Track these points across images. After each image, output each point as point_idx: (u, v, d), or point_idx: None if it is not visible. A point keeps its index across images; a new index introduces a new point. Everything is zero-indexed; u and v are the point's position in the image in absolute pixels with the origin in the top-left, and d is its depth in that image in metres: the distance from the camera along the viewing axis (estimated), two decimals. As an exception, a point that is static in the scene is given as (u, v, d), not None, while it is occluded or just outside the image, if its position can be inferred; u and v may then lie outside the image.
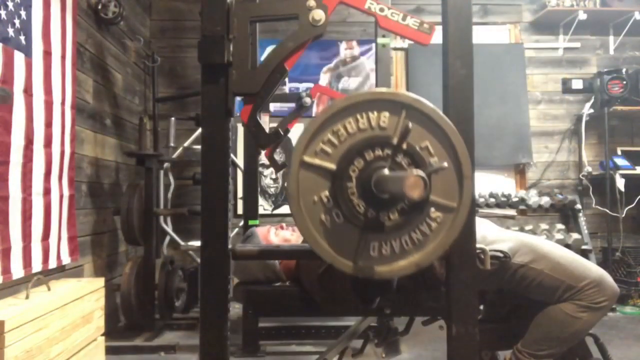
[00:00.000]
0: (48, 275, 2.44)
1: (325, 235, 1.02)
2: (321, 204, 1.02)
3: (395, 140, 1.01)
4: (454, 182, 1.02)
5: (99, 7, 3.25)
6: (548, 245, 1.67)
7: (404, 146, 1.01)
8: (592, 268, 1.62)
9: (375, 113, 1.03)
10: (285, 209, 4.31)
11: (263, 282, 1.66)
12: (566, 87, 4.53)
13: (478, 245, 1.15)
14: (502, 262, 1.50)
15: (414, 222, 1.02)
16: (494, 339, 1.74)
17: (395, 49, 4.46)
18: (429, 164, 1.01)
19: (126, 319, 3.33)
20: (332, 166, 1.02)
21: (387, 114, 1.02)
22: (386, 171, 0.98)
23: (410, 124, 0.99)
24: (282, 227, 1.74)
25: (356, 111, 1.03)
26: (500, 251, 1.53)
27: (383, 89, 1.05)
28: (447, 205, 1.02)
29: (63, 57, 2.66)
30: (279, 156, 4.26)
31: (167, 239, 4.06)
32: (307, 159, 1.02)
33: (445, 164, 1.01)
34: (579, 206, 4.24)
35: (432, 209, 1.02)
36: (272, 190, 4.36)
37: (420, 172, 0.89)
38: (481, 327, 1.13)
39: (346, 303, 1.50)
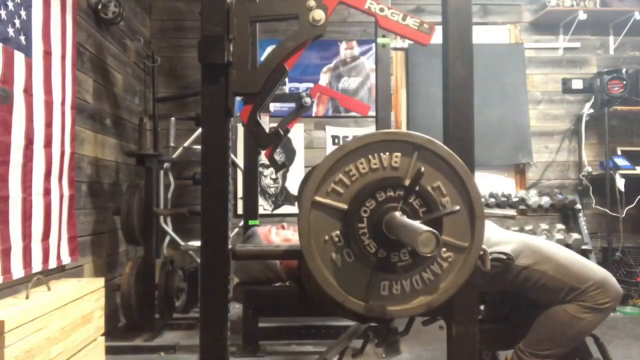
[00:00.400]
0: (48, 275, 2.44)
1: (336, 274, 1.02)
2: (332, 243, 1.03)
3: (407, 182, 1.01)
4: (466, 222, 1.03)
5: (99, 7, 3.25)
6: (551, 247, 1.68)
7: (416, 188, 1.01)
8: (595, 269, 1.62)
9: (388, 154, 1.03)
10: (285, 209, 4.31)
11: (263, 282, 1.66)
12: (566, 87, 4.53)
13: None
14: (506, 264, 1.50)
15: (425, 262, 1.02)
16: (494, 339, 1.74)
17: (395, 49, 4.46)
18: (441, 205, 1.01)
19: (126, 319, 3.33)
20: (343, 206, 1.02)
21: (399, 154, 1.03)
22: (398, 214, 0.98)
23: (422, 168, 0.99)
24: (283, 227, 1.74)
25: (368, 152, 1.03)
26: (504, 253, 1.53)
27: (396, 130, 1.06)
28: (459, 246, 1.03)
29: (63, 57, 2.66)
30: (279, 156, 4.27)
31: (167, 239, 4.06)
32: (318, 199, 1.02)
33: (457, 207, 1.01)
34: (579, 206, 4.24)
35: (444, 249, 1.02)
36: (272, 190, 4.36)
37: (432, 230, 0.88)
38: (481, 327, 1.13)
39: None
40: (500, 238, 1.67)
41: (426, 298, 1.03)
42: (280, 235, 1.73)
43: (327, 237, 1.03)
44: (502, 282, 1.61)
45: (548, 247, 1.67)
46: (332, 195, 1.03)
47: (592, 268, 1.62)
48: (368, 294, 1.02)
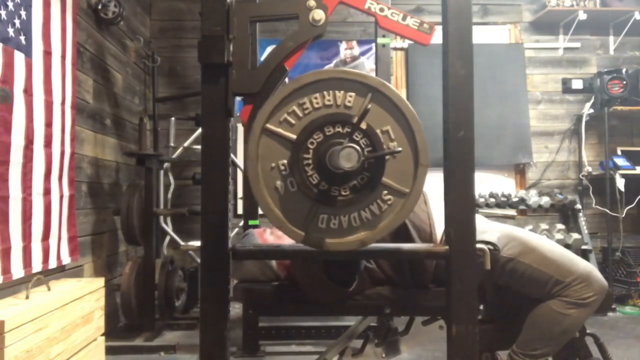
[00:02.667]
0: (48, 275, 2.44)
1: (279, 201, 1.05)
2: (278, 171, 1.05)
3: (355, 120, 1.03)
4: (410, 168, 1.05)
5: (99, 7, 3.25)
6: (537, 239, 1.67)
7: (364, 127, 1.03)
8: (579, 263, 1.61)
9: (342, 92, 1.05)
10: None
11: (260, 280, 1.66)
12: (566, 87, 4.53)
13: (479, 246, 1.16)
14: (492, 253, 1.50)
15: (365, 201, 1.05)
16: (494, 339, 1.74)
17: (395, 49, 4.46)
18: (387, 148, 1.04)
19: (126, 319, 3.33)
20: (292, 136, 1.05)
21: (353, 94, 1.05)
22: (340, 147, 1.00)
23: (369, 106, 1.01)
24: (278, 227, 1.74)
25: (324, 87, 1.05)
26: (490, 243, 1.53)
27: (353, 70, 1.07)
28: (400, 190, 1.05)
29: (63, 57, 2.66)
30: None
31: (167, 239, 4.06)
32: (270, 126, 1.05)
33: (400, 149, 1.03)
34: (579, 206, 4.24)
35: (385, 192, 1.05)
36: (272, 190, 4.35)
37: (354, 145, 0.95)
38: (481, 327, 1.13)
39: (327, 290, 1.51)
40: (486, 227, 1.67)
41: (361, 235, 1.05)
42: (275, 234, 1.74)
43: (273, 165, 1.05)
44: (489, 273, 1.60)
45: (533, 239, 1.66)
46: (283, 125, 1.05)
47: (576, 262, 1.61)
48: (307, 224, 1.04)
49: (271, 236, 1.73)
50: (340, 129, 1.04)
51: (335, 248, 1.06)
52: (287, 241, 1.72)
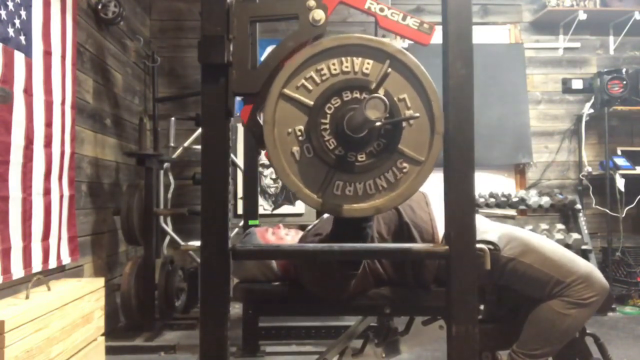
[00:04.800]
0: (48, 275, 2.44)
1: (294, 166, 1.05)
2: (294, 137, 1.05)
3: (373, 86, 1.03)
4: (426, 137, 1.05)
5: (99, 7, 3.25)
6: (538, 239, 1.67)
7: (382, 93, 1.02)
8: (580, 263, 1.61)
9: (360, 59, 1.05)
10: (285, 209, 4.30)
11: (260, 280, 1.66)
12: (566, 87, 4.54)
13: (479, 246, 1.15)
14: (493, 254, 1.50)
15: (380, 168, 1.05)
16: (494, 339, 1.74)
17: (395, 49, 4.46)
18: (404, 115, 1.04)
19: (126, 319, 3.33)
20: (310, 102, 1.05)
21: (371, 61, 1.05)
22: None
23: (389, 70, 1.01)
24: (279, 227, 1.74)
25: (342, 54, 1.05)
26: (491, 242, 1.53)
27: (372, 37, 1.07)
28: (415, 158, 1.05)
29: (63, 57, 2.66)
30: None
31: (167, 239, 4.06)
32: (287, 91, 1.05)
33: (418, 114, 1.03)
34: (579, 206, 4.24)
35: (401, 160, 1.05)
36: (272, 190, 4.36)
37: (381, 96, 0.94)
38: (481, 327, 1.13)
39: (332, 285, 1.51)
40: (486, 228, 1.67)
41: (377, 202, 1.06)
42: (276, 235, 1.74)
43: (290, 130, 1.05)
44: (490, 273, 1.60)
45: (534, 239, 1.66)
46: (301, 90, 1.05)
47: (577, 262, 1.61)
48: (322, 190, 1.04)
49: (272, 236, 1.73)
50: (358, 95, 1.04)
51: (351, 214, 1.06)
52: (288, 241, 1.73)
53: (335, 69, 1.05)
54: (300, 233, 1.74)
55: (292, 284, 1.64)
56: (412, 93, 1.05)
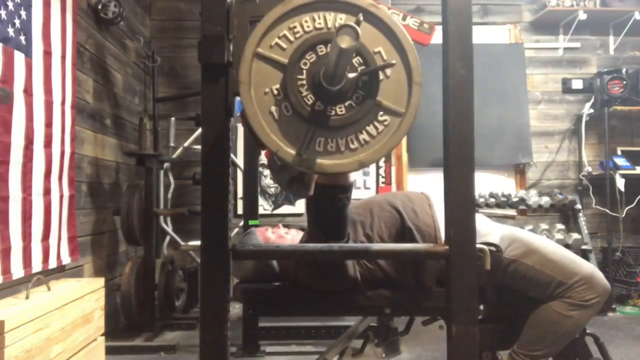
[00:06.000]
0: (48, 275, 2.44)
1: (274, 126, 1.03)
2: (272, 96, 1.04)
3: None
4: (404, 88, 1.04)
5: (99, 7, 3.25)
6: (539, 240, 1.67)
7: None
8: (582, 265, 1.61)
9: (333, 14, 1.04)
10: (285, 209, 4.31)
11: (260, 280, 1.66)
12: (566, 87, 4.54)
13: (478, 246, 1.15)
14: (494, 255, 1.50)
15: (361, 122, 1.04)
16: (495, 340, 1.74)
17: (395, 49, 4.46)
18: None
19: (126, 319, 3.33)
20: (284, 60, 1.03)
21: (344, 15, 1.04)
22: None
23: (361, 17, 0.99)
24: (279, 227, 1.74)
25: (313, 9, 1.04)
26: (493, 244, 1.52)
27: None
28: (395, 110, 1.04)
29: (63, 57, 2.66)
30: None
31: (167, 239, 4.06)
32: (261, 50, 1.03)
33: (394, 61, 1.02)
34: (579, 206, 4.24)
35: (381, 112, 1.04)
36: (272, 190, 4.36)
37: (354, 24, 0.92)
38: (481, 327, 1.13)
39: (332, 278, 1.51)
40: (489, 229, 1.67)
41: (359, 157, 1.04)
42: (276, 234, 1.74)
43: (267, 90, 1.04)
44: (492, 274, 1.60)
45: (536, 240, 1.66)
46: (275, 49, 1.04)
47: (579, 263, 1.61)
48: (304, 148, 1.03)
49: (272, 235, 1.73)
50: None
51: (333, 169, 1.05)
52: (288, 239, 1.73)
53: (308, 26, 1.04)
54: (301, 233, 1.74)
55: (292, 284, 1.64)
56: (387, 45, 1.04)
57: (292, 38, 1.04)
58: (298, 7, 1.04)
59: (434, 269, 1.54)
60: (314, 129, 1.03)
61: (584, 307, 1.56)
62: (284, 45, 1.04)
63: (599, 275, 1.60)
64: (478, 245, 1.18)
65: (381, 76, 1.04)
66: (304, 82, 1.03)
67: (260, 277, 1.66)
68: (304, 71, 1.03)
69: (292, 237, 1.73)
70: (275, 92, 1.04)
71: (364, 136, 1.04)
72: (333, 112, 1.03)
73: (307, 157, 1.03)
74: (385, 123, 1.04)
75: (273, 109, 1.04)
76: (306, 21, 1.04)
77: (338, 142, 1.04)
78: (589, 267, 1.61)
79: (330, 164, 1.04)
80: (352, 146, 1.04)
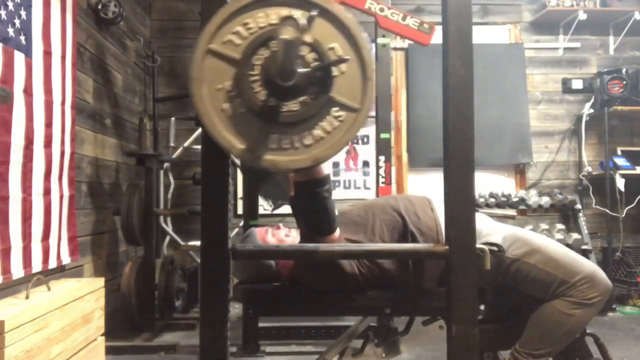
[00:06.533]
0: (48, 275, 2.44)
1: (227, 123, 1.02)
2: (225, 93, 1.02)
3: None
4: (358, 84, 1.03)
5: (99, 7, 3.25)
6: (542, 240, 1.67)
7: (311, 40, 1.00)
8: (585, 263, 1.62)
9: (287, 10, 1.03)
10: (285, 209, 4.30)
11: (260, 281, 1.66)
12: (566, 87, 4.54)
13: (478, 246, 1.15)
14: (497, 255, 1.50)
15: (316, 117, 1.03)
16: (495, 340, 1.74)
17: (395, 49, 4.46)
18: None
19: (126, 319, 3.33)
20: (237, 56, 1.02)
21: (298, 12, 1.02)
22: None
23: (315, 13, 0.99)
24: (278, 227, 1.73)
25: (267, 5, 1.03)
26: (495, 244, 1.53)
27: None
28: (351, 105, 1.03)
29: (63, 57, 2.66)
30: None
31: (167, 239, 4.06)
32: (213, 46, 1.02)
33: (348, 57, 1.02)
34: (579, 206, 4.24)
35: (336, 108, 1.03)
36: (272, 190, 4.35)
37: (297, 16, 0.92)
38: (482, 327, 1.13)
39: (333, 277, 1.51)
40: (491, 229, 1.67)
41: (314, 152, 1.03)
42: (276, 236, 1.73)
43: (220, 86, 1.03)
44: (494, 274, 1.60)
45: (538, 239, 1.67)
46: (228, 45, 1.03)
47: (581, 262, 1.62)
48: (257, 145, 1.02)
49: (272, 238, 1.72)
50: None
51: (287, 166, 1.04)
52: (289, 242, 1.72)
53: (262, 22, 1.03)
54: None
55: (292, 284, 1.64)
56: (342, 41, 1.03)
57: (245, 34, 1.03)
58: (252, 3, 1.03)
59: (436, 271, 1.54)
60: (267, 126, 1.02)
61: (586, 306, 1.56)
62: (237, 41, 1.03)
63: (601, 274, 1.61)
64: (479, 245, 1.18)
65: (336, 72, 1.03)
66: (257, 78, 1.02)
67: (260, 280, 1.66)
68: (257, 67, 1.02)
69: (292, 239, 1.72)
70: (228, 88, 1.03)
71: (318, 132, 1.03)
72: (287, 108, 1.02)
73: (260, 154, 1.02)
74: (340, 119, 1.03)
75: (225, 105, 1.02)
76: (260, 17, 1.03)
77: (292, 138, 1.03)
78: (591, 266, 1.62)
79: (284, 160, 1.03)
80: (306, 142, 1.03)
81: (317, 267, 1.52)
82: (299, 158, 1.03)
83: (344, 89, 1.03)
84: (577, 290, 1.56)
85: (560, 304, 1.57)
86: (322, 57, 1.02)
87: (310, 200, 1.37)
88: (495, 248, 1.49)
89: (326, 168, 1.36)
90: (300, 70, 0.99)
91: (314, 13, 0.98)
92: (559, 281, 1.57)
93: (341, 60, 1.02)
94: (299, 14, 1.01)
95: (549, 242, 1.67)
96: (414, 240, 1.57)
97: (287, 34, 0.92)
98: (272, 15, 1.03)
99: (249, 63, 1.02)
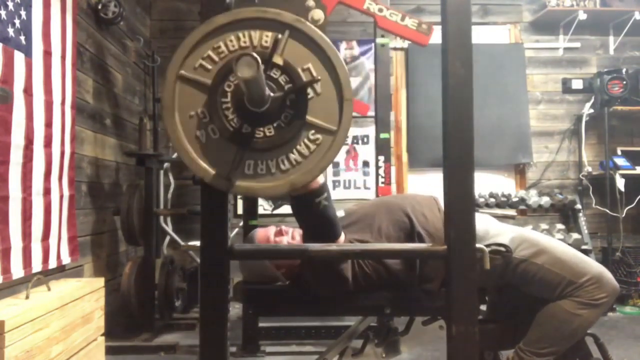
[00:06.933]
0: (48, 275, 2.44)
1: (201, 151, 1.01)
2: (197, 120, 1.01)
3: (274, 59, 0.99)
4: (335, 105, 1.02)
5: (99, 7, 3.25)
6: (549, 240, 1.68)
7: (281, 62, 0.99)
8: (592, 264, 1.62)
9: (259, 32, 1.01)
10: (285, 209, 4.30)
11: (264, 282, 1.66)
12: (566, 87, 4.53)
13: (478, 246, 1.15)
14: (505, 256, 1.50)
15: (291, 142, 1.01)
16: (495, 339, 1.74)
17: (395, 49, 4.46)
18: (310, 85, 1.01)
19: (126, 319, 3.33)
20: (208, 81, 1.01)
21: (269, 33, 1.01)
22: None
23: (281, 35, 0.97)
24: (281, 233, 1.71)
25: (239, 28, 1.01)
26: (502, 245, 1.53)
27: (266, 8, 1.02)
28: (327, 128, 1.02)
29: (63, 57, 2.66)
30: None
31: (167, 239, 4.06)
32: (184, 73, 1.01)
33: (319, 77, 1.00)
34: (579, 206, 4.24)
35: (312, 131, 1.01)
36: (272, 190, 4.35)
37: (252, 54, 0.88)
38: (482, 327, 1.13)
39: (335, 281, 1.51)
40: (498, 230, 1.67)
41: (291, 177, 1.01)
42: (280, 242, 1.71)
43: (192, 113, 1.01)
44: (501, 275, 1.61)
45: (546, 240, 1.67)
46: (199, 71, 1.01)
47: (589, 263, 1.62)
48: (232, 172, 1.00)
49: (277, 237, 1.71)
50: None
51: (265, 192, 1.03)
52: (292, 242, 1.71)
53: (233, 45, 1.01)
54: None
55: (292, 284, 1.64)
56: (316, 62, 1.01)
57: (216, 58, 1.01)
58: (222, 26, 1.01)
59: (442, 272, 1.54)
60: (242, 152, 1.00)
61: (593, 306, 1.56)
62: (209, 66, 1.01)
63: (608, 275, 1.61)
64: (481, 246, 1.18)
65: (311, 94, 1.01)
66: (229, 104, 1.00)
67: (263, 281, 1.66)
68: (229, 93, 1.00)
69: (297, 241, 1.71)
70: (201, 115, 1.01)
71: (295, 156, 1.01)
72: (261, 134, 1.00)
73: (235, 181, 1.00)
74: (317, 142, 1.01)
75: (199, 132, 1.01)
76: (231, 40, 1.01)
77: (268, 163, 1.01)
78: (599, 267, 1.62)
79: (260, 187, 1.01)
80: (283, 167, 1.01)
81: (322, 274, 1.52)
82: (275, 184, 1.01)
83: (320, 110, 1.01)
84: (584, 290, 1.56)
85: (567, 304, 1.57)
86: (294, 79, 1.00)
87: (311, 212, 1.36)
88: (502, 249, 1.50)
89: (321, 177, 1.35)
90: (273, 95, 0.97)
91: (279, 36, 0.96)
92: (567, 282, 1.57)
93: (313, 81, 0.99)
94: (265, 38, 0.98)
95: (556, 243, 1.68)
96: (421, 240, 1.57)
97: (245, 73, 0.88)
98: (243, 38, 1.01)
99: (220, 89, 1.00)
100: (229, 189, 1.01)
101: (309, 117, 1.00)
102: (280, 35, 0.97)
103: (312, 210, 1.35)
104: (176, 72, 1.01)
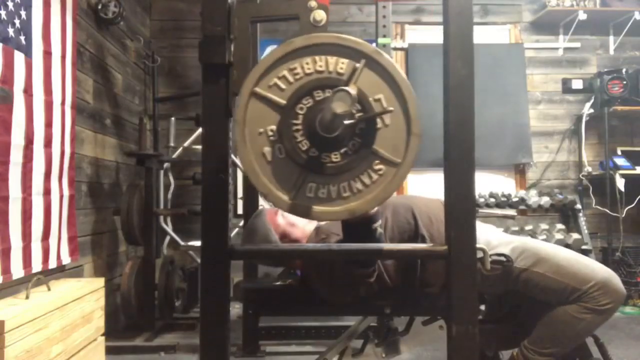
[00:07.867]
0: (48, 275, 2.44)
1: (265, 168, 1.02)
2: (266, 137, 1.03)
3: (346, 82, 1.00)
4: (403, 138, 1.02)
5: (99, 7, 3.25)
6: (551, 249, 1.68)
7: (355, 91, 0.99)
8: (597, 270, 1.62)
9: (335, 58, 1.03)
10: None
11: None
12: (566, 87, 4.53)
13: (478, 246, 1.15)
14: (506, 266, 1.51)
15: (355, 170, 1.02)
16: (495, 339, 1.74)
17: (395, 49, 4.45)
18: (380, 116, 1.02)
19: (126, 319, 3.33)
20: (282, 101, 1.02)
21: (346, 61, 1.02)
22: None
23: (358, 64, 0.98)
24: (293, 225, 1.70)
25: (315, 52, 1.03)
26: (503, 255, 1.53)
27: (347, 36, 1.03)
28: (392, 160, 1.02)
29: (63, 57, 2.66)
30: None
31: (167, 239, 4.06)
32: (259, 90, 1.02)
33: (392, 108, 1.01)
34: (579, 206, 4.24)
35: (377, 161, 1.02)
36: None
37: (349, 88, 0.91)
38: (482, 327, 1.13)
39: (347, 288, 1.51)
40: (500, 240, 1.67)
41: (350, 205, 1.02)
42: (286, 219, 1.71)
43: (261, 130, 1.02)
44: (504, 284, 1.62)
45: (547, 249, 1.67)
46: (273, 89, 1.03)
47: (594, 268, 1.62)
48: (294, 192, 1.01)
49: (282, 220, 1.70)
50: (330, 94, 1.01)
51: (323, 217, 1.04)
52: (300, 226, 1.70)
53: (309, 68, 1.02)
54: (313, 223, 1.71)
55: (291, 284, 1.64)
56: (388, 93, 1.02)
57: (291, 79, 1.03)
58: (300, 49, 1.03)
59: (442, 276, 1.54)
60: (306, 174, 1.02)
61: (597, 312, 1.57)
62: (283, 86, 1.03)
63: (615, 280, 1.61)
64: (480, 246, 1.18)
65: (379, 124, 1.02)
66: (300, 126, 1.02)
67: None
68: (300, 116, 1.02)
69: (303, 226, 1.70)
70: (270, 133, 1.02)
71: (357, 185, 1.02)
72: (328, 159, 1.01)
73: (296, 202, 1.01)
74: (380, 172, 1.02)
75: (266, 149, 1.02)
76: (307, 63, 1.03)
77: (330, 189, 1.02)
78: (605, 272, 1.62)
79: (319, 211, 1.02)
80: (344, 194, 1.02)
81: (327, 277, 1.52)
82: (334, 209, 1.02)
83: (387, 141, 1.02)
84: (588, 297, 1.56)
85: (572, 308, 1.58)
86: (366, 108, 1.01)
87: (366, 239, 1.32)
88: (503, 258, 1.50)
89: None
90: (345, 121, 0.98)
91: (357, 66, 0.98)
92: (571, 289, 1.57)
93: (383, 112, 1.00)
94: (341, 65, 1.00)
95: (559, 250, 1.68)
96: (424, 242, 1.57)
97: (339, 108, 0.92)
98: (320, 62, 1.03)
99: (292, 111, 1.02)
100: (288, 209, 1.03)
101: (375, 147, 1.02)
102: (357, 65, 0.99)
103: (368, 236, 1.32)
104: (251, 89, 1.02)
